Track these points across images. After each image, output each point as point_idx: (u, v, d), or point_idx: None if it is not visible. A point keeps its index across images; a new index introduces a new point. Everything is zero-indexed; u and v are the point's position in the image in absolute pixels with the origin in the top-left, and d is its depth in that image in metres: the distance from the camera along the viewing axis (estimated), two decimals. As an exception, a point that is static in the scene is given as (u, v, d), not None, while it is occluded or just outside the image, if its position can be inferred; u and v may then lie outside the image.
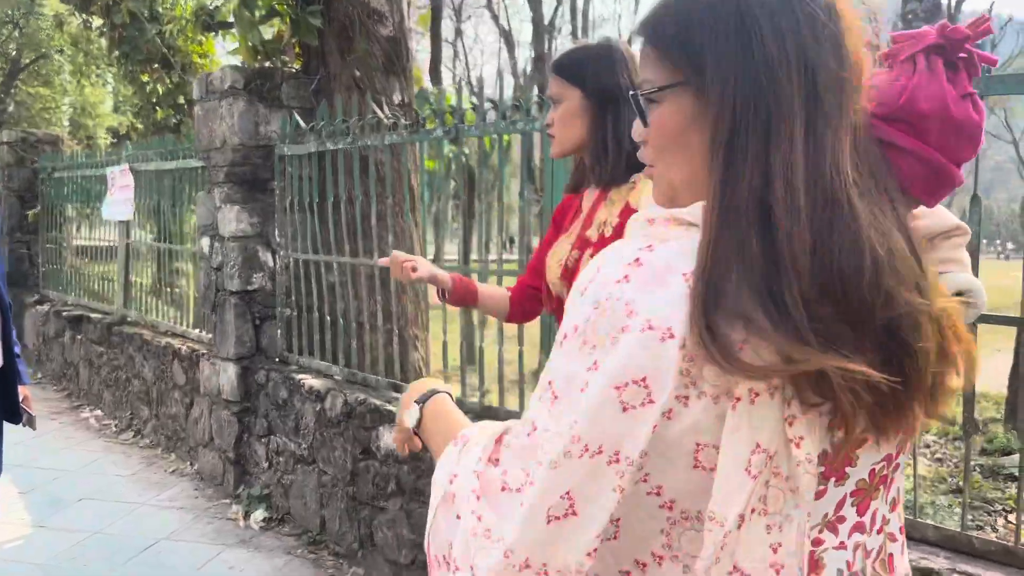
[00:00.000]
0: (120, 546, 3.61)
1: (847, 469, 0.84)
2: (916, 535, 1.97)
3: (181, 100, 9.80)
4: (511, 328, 2.92)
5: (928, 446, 5.03)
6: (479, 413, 3.10)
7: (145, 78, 8.42)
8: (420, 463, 3.12)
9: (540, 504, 0.79)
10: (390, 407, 3.29)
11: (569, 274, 1.85)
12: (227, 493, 4.23)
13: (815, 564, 0.85)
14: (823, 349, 0.73)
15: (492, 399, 3.32)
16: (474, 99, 3.11)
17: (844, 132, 0.78)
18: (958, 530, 1.94)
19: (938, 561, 1.86)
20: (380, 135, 3.45)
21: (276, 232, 4.19)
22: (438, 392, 1.14)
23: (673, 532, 0.86)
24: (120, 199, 5.89)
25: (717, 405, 0.78)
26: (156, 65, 8.23)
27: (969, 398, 1.97)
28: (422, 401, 1.13)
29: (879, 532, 0.89)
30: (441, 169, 3.86)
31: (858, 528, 0.87)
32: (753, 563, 0.80)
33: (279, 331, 4.24)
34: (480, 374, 3.24)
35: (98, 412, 5.93)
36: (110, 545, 3.62)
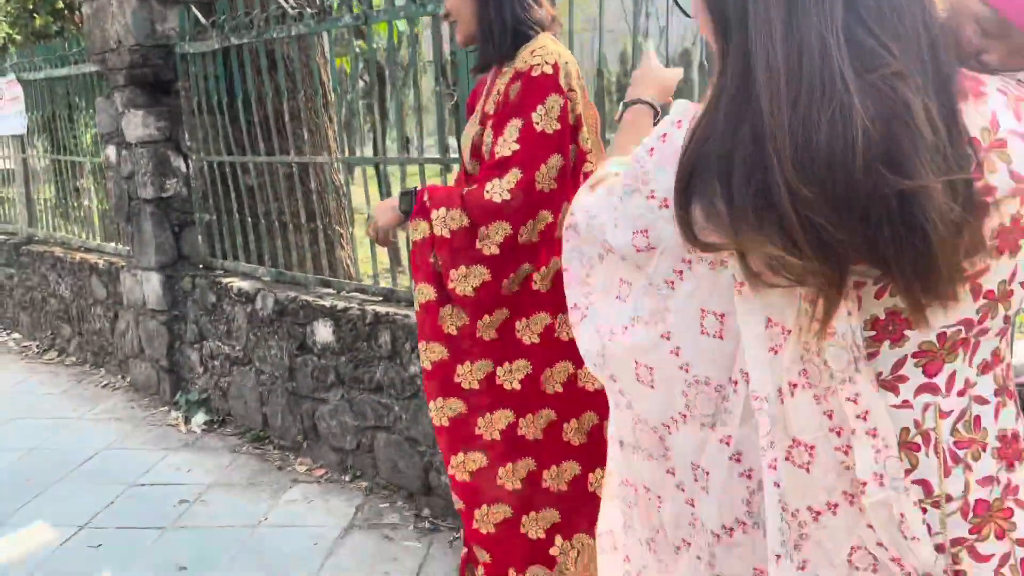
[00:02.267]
0: (62, 459, 3.62)
1: (906, 332, 0.87)
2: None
3: (60, 5, 9.14)
4: None
5: None
6: (410, 300, 3.18)
7: (18, -18, 7.80)
8: (357, 353, 3.21)
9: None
10: (322, 302, 3.34)
11: (477, 152, 1.91)
12: (164, 401, 4.25)
13: None
14: (770, 232, 0.77)
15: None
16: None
17: (835, 5, 0.77)
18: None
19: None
20: (286, 26, 3.35)
21: (186, 135, 4.06)
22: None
23: (690, 393, 0.97)
24: (10, 113, 5.57)
25: (715, 271, 0.88)
26: (31, -35, 7.64)
27: None
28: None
29: (960, 395, 0.90)
30: (350, 67, 3.78)
31: (928, 389, 0.89)
32: (812, 433, 0.87)
33: (200, 237, 4.18)
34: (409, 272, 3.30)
35: (16, 335, 5.78)
36: (51, 458, 3.63)
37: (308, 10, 3.31)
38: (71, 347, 5.22)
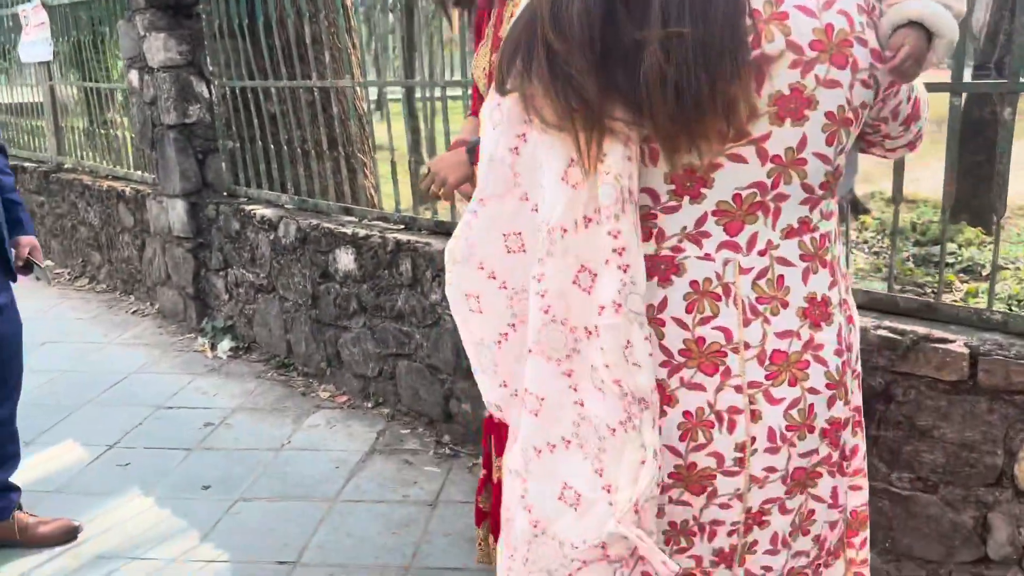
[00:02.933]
0: (92, 380, 3.69)
1: (702, 190, 0.98)
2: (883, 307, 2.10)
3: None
4: None
5: (867, 242, 5.27)
6: (432, 229, 3.15)
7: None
8: (379, 281, 3.19)
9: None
10: (344, 230, 3.32)
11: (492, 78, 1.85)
12: (191, 328, 4.30)
13: (676, 267, 0.99)
14: (533, 80, 0.93)
15: (444, 215, 3.35)
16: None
17: None
18: (884, 291, 2.08)
19: (865, 320, 2.01)
20: (307, -56, 3.25)
21: (208, 60, 4.01)
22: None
23: (531, 227, 1.06)
24: (37, 39, 5.54)
25: (542, 134, 0.98)
26: None
27: (899, 169, 2.06)
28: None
29: (762, 254, 1.00)
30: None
31: (729, 246, 0.99)
32: (597, 256, 0.97)
33: (223, 164, 4.16)
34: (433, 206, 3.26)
35: (48, 262, 5.85)
36: (82, 380, 3.70)
37: (328, -73, 3.20)
38: (101, 274, 5.29)
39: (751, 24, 0.91)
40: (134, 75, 4.22)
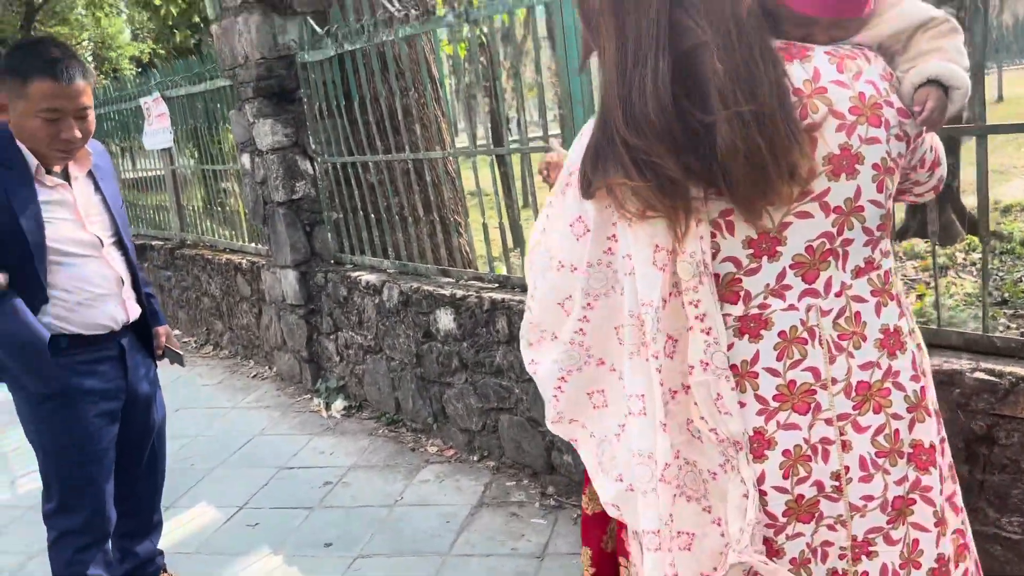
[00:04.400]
0: (221, 444, 3.98)
1: (778, 248, 1.09)
2: (941, 342, 2.10)
3: (196, 19, 9.73)
4: None
5: (974, 264, 5.07)
6: (525, 286, 3.27)
7: (158, 2, 8.40)
8: (477, 339, 3.34)
9: (543, 297, 1.30)
10: (442, 291, 3.49)
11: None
12: (306, 389, 4.56)
13: (765, 322, 1.11)
14: (616, 173, 1.05)
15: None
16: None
17: (652, 16, 1.03)
18: (980, 332, 2.06)
19: (962, 363, 1.99)
20: (394, 29, 3.49)
21: (311, 139, 4.32)
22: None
23: (624, 329, 1.19)
24: (159, 128, 6.06)
25: (623, 224, 1.12)
26: (167, -14, 8.20)
27: (984, 208, 2.05)
28: None
29: (838, 296, 1.12)
30: (461, 52, 3.89)
31: (810, 294, 1.11)
32: (677, 327, 1.11)
33: (329, 234, 4.44)
34: (523, 253, 3.39)
35: (177, 331, 6.32)
36: (211, 445, 3.99)
37: (413, 11, 3.43)
38: (223, 341, 5.67)
39: (797, 100, 1.05)
40: (246, 158, 4.57)
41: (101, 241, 2.24)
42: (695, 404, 1.11)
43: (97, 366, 2.25)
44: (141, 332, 2.45)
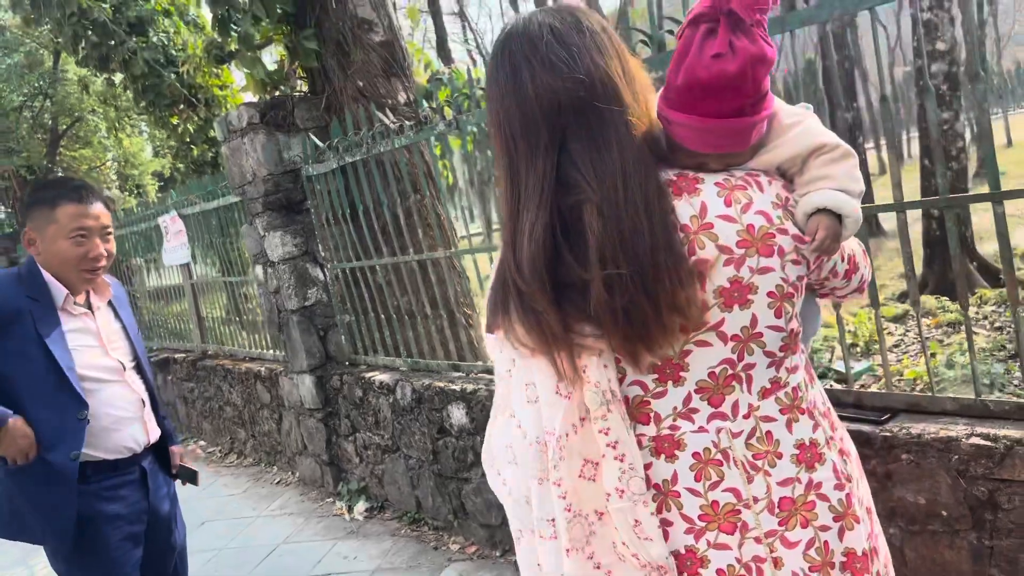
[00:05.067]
0: (245, 557, 3.99)
1: (681, 374, 1.13)
2: (935, 408, 2.12)
3: (212, 134, 10.17)
4: None
5: (986, 317, 5.05)
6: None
7: (174, 120, 8.78)
8: (490, 432, 3.37)
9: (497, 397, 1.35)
10: (453, 387, 3.55)
11: None
12: (328, 492, 4.58)
13: (677, 443, 1.13)
14: (510, 320, 1.12)
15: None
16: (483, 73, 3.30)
17: (549, 156, 1.09)
18: (972, 398, 2.08)
19: (958, 428, 2.01)
20: (390, 140, 3.66)
21: (319, 247, 4.47)
22: None
23: (529, 453, 1.20)
24: (176, 244, 6.28)
25: (529, 360, 1.16)
26: (182, 106, 8.58)
27: (963, 292, 2.10)
28: None
29: (747, 417, 1.14)
30: (453, 155, 4.06)
31: (718, 416, 1.13)
32: (595, 452, 1.13)
33: (343, 336, 4.54)
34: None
35: (202, 442, 6.39)
36: (236, 558, 4.01)
37: (407, 123, 3.61)
38: (247, 448, 5.73)
39: (684, 236, 1.08)
40: (259, 269, 4.73)
41: (123, 366, 2.35)
42: (615, 528, 1.12)
43: (120, 490, 2.31)
44: (160, 452, 2.52)
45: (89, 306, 2.35)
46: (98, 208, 2.27)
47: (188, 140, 10.24)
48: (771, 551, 1.12)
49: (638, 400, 1.14)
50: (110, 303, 2.44)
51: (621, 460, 1.11)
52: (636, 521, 1.10)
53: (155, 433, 2.44)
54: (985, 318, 5.02)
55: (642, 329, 1.06)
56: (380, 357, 4.29)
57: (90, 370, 2.26)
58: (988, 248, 8.50)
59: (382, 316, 4.20)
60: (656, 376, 1.12)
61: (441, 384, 3.65)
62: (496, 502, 3.42)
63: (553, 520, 1.18)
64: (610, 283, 1.05)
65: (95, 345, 2.31)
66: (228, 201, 5.29)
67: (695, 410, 1.13)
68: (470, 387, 3.47)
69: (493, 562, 3.41)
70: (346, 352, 4.55)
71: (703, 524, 1.12)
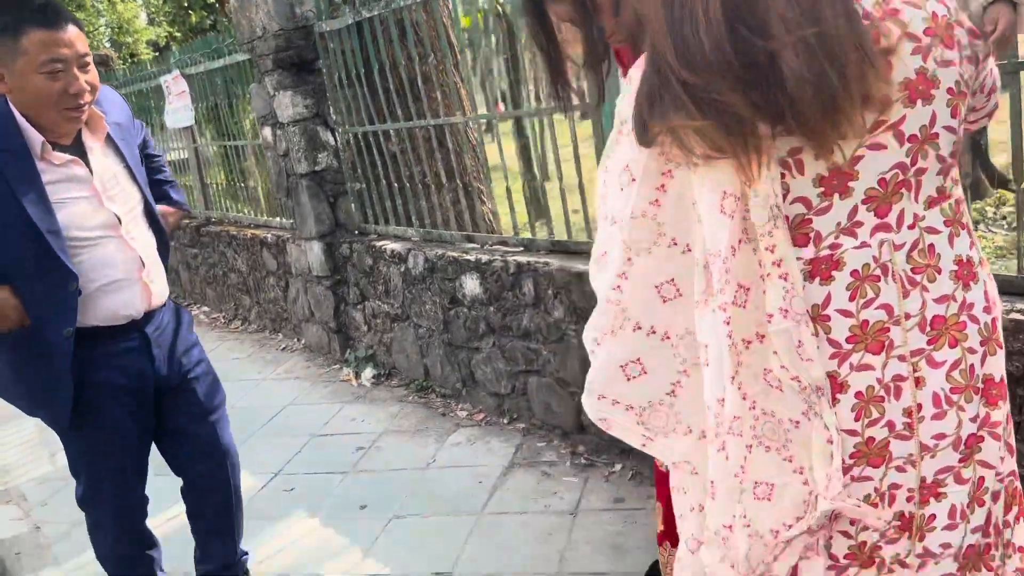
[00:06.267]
0: (254, 415, 4.04)
1: (849, 184, 1.04)
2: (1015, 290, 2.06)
3: (211, 0, 9.74)
4: (571, 179, 3.08)
5: (1004, 218, 4.99)
6: (549, 248, 3.27)
7: (172, -18, 8.40)
8: (504, 303, 3.35)
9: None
10: (468, 257, 3.50)
11: None
12: (335, 359, 4.61)
13: (836, 263, 1.07)
14: (678, 114, 0.98)
15: (560, 234, 3.47)
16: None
17: None
18: (1015, 275, 2.03)
19: (996, 307, 1.97)
20: (411, -6, 3.47)
21: (331, 110, 4.32)
22: None
23: (684, 269, 1.16)
24: (179, 106, 6.09)
25: (688, 169, 1.07)
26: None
27: (1019, 147, 2.01)
28: None
29: (911, 228, 1.08)
30: (482, 22, 3.87)
31: (882, 228, 1.07)
32: (749, 278, 1.07)
33: (353, 205, 4.46)
34: (548, 226, 3.40)
35: (205, 308, 6.40)
36: (244, 417, 4.05)
37: (430, -25, 3.41)
38: (252, 315, 5.73)
39: (868, 24, 0.99)
40: (267, 131, 4.59)
41: (119, 219, 2.05)
42: (774, 353, 1.07)
43: (116, 359, 2.09)
44: (178, 312, 2.30)
45: (81, 148, 2.02)
46: (72, 32, 1.89)
47: (186, 5, 9.80)
48: (914, 370, 1.08)
49: (799, 219, 1.07)
50: (108, 138, 2.09)
51: (784, 279, 1.04)
52: (799, 342, 1.05)
53: (159, 296, 2.17)
54: (1004, 219, 4.96)
55: (831, 106, 0.96)
56: (391, 227, 4.22)
57: (76, 229, 1.96)
58: (1001, 159, 8.36)
59: (395, 184, 4.10)
60: (822, 190, 1.05)
61: (455, 254, 3.59)
62: (506, 371, 3.43)
63: (707, 346, 1.13)
64: (796, 53, 0.94)
65: (86, 196, 1.99)
66: (235, 60, 5.09)
67: (859, 223, 1.06)
68: (485, 258, 3.42)
69: (501, 428, 3.45)
70: (356, 220, 4.47)
71: (849, 347, 1.08)
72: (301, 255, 4.67)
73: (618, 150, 1.17)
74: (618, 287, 1.19)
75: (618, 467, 2.93)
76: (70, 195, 1.97)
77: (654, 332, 1.19)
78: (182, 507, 2.46)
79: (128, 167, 2.14)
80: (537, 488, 2.92)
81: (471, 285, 3.51)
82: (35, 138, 1.91)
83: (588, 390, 1.26)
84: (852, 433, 1.09)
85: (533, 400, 3.35)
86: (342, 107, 4.25)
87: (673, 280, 1.16)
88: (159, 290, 2.17)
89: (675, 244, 1.15)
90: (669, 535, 2.01)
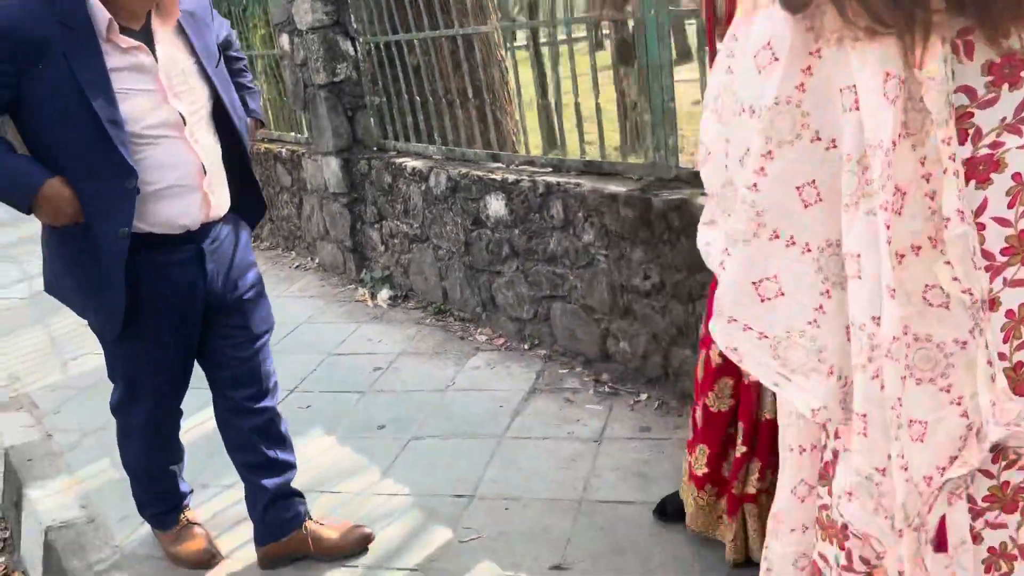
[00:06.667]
0: (267, 332, 3.96)
1: (1022, 74, 0.90)
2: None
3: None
4: (589, 109, 2.90)
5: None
6: (581, 169, 3.13)
7: None
8: (530, 225, 3.23)
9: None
10: (493, 176, 3.36)
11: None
12: (351, 279, 4.51)
13: (996, 164, 0.94)
14: None
15: (594, 155, 3.32)
16: None
17: None
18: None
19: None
20: None
21: (351, 18, 4.12)
22: None
23: (827, 169, 1.00)
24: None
25: (842, 49, 0.92)
26: None
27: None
28: None
29: None
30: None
31: None
32: (907, 178, 0.92)
33: (372, 120, 4.29)
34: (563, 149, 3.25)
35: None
36: (258, 332, 3.98)
37: None
38: (264, 233, 5.62)
39: None
40: (284, 39, 4.40)
41: (184, 119, 1.85)
42: (946, 264, 0.93)
43: (166, 270, 1.93)
44: (245, 211, 2.12)
45: (148, 34, 1.80)
46: None
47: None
48: None
49: (960, 112, 0.92)
50: (180, 28, 1.86)
51: (958, 175, 0.90)
52: (974, 248, 0.92)
53: (220, 208, 1.97)
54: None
55: None
56: (412, 144, 4.07)
57: (139, 125, 1.78)
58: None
59: (417, 99, 3.93)
60: (991, 78, 0.91)
61: (479, 173, 3.46)
62: (529, 296, 3.34)
63: (859, 255, 0.98)
64: None
65: (151, 89, 1.79)
66: (250, -37, 4.86)
67: None
68: (512, 177, 3.28)
69: (521, 354, 3.37)
70: (375, 136, 4.31)
71: (1004, 259, 0.96)
72: (317, 171, 4.53)
73: (752, 25, 1.01)
74: (754, 185, 1.01)
75: (644, 396, 2.86)
76: (132, 85, 1.77)
77: (794, 243, 1.03)
78: (202, 417, 2.40)
79: (199, 62, 1.91)
80: (560, 414, 2.85)
81: (496, 206, 3.38)
82: (102, 15, 1.70)
83: (717, 311, 1.09)
84: (1000, 357, 0.97)
85: (556, 326, 3.26)
86: (363, 15, 4.06)
87: (815, 182, 1.00)
88: (219, 202, 1.97)
89: (818, 139, 0.98)
90: (712, 478, 1.94)
